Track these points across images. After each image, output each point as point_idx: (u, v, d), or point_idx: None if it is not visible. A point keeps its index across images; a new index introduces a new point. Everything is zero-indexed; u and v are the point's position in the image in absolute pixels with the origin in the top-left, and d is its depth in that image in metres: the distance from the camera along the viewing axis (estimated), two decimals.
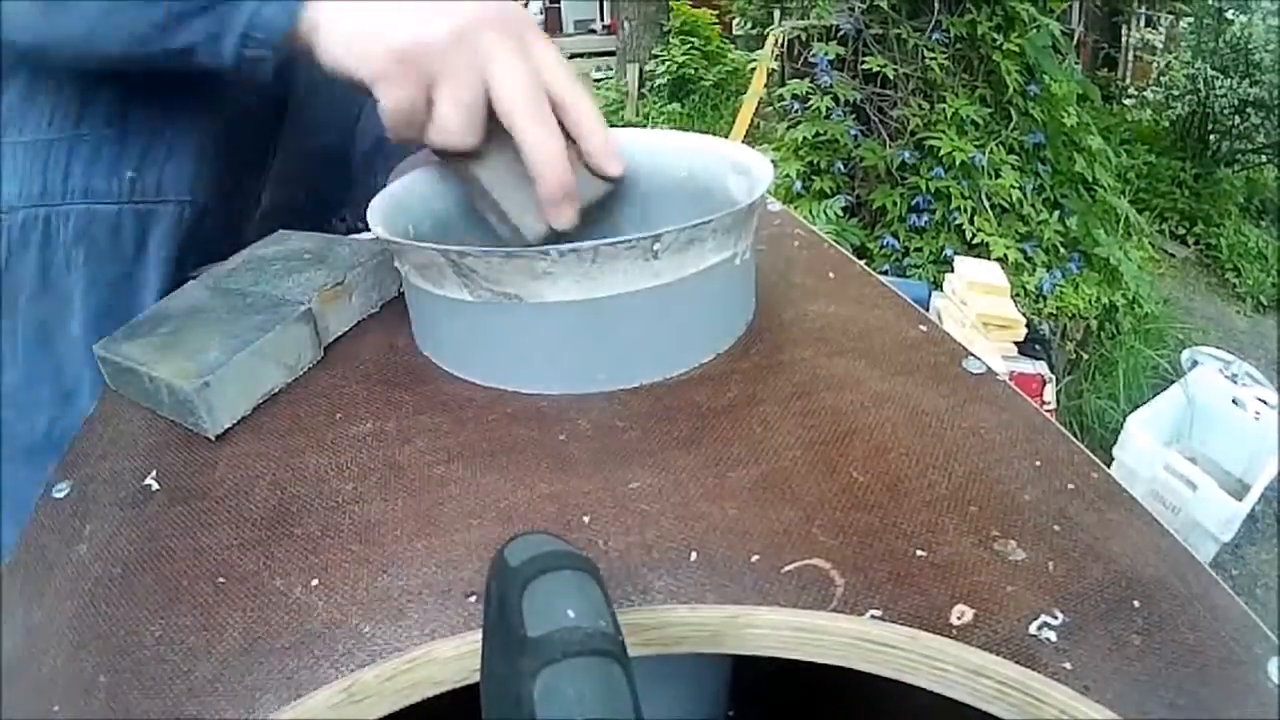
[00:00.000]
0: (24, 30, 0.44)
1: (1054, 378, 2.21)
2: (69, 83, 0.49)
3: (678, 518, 0.31)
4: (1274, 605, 1.98)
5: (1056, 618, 0.27)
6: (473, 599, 0.28)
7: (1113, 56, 4.87)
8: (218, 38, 0.41)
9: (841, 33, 2.73)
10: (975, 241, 2.57)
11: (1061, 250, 2.70)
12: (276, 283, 0.45)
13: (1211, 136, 4.17)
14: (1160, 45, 4.97)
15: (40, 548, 0.33)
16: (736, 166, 0.46)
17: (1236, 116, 4.05)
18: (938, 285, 2.43)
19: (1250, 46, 4.01)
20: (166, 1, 0.41)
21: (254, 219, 0.58)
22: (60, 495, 0.36)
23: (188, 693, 0.26)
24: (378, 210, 0.42)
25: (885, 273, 2.56)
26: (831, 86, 2.68)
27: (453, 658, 0.27)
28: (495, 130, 0.40)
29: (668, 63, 5.17)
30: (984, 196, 2.61)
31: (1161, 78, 4.71)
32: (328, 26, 0.40)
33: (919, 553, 0.29)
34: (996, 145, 2.65)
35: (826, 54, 2.69)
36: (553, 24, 8.86)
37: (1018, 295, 2.45)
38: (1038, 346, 2.25)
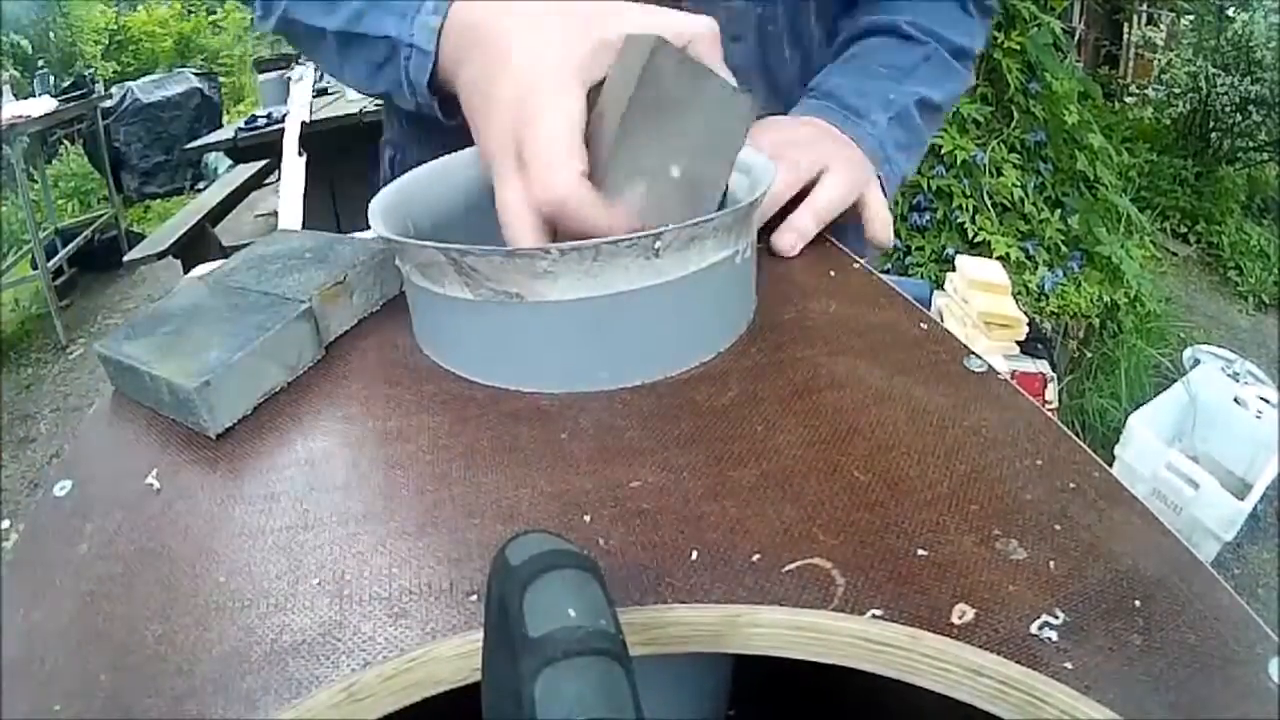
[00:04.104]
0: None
1: (1056, 376, 2.21)
2: None
3: (678, 517, 0.31)
4: (1275, 605, 1.98)
5: (1058, 617, 0.27)
6: (473, 598, 0.28)
7: (1114, 54, 4.86)
8: (401, 86, 0.47)
9: None
10: (977, 240, 2.57)
11: (1063, 249, 2.69)
12: (277, 281, 0.45)
13: (1213, 134, 4.16)
14: (1161, 43, 4.95)
15: (40, 547, 0.33)
16: (738, 165, 0.46)
17: (1238, 114, 4.05)
18: (939, 284, 2.43)
19: (1252, 44, 4.01)
20: (351, 66, 0.50)
21: None
22: (61, 494, 0.36)
23: (188, 692, 0.26)
24: (378, 208, 0.42)
25: (887, 271, 2.55)
26: None
27: (453, 657, 0.27)
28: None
29: None
30: (985, 195, 2.61)
31: (1163, 75, 4.70)
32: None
33: (920, 552, 0.29)
34: (998, 143, 2.65)
35: None
36: None
37: (1019, 294, 2.45)
38: (1039, 345, 2.25)
